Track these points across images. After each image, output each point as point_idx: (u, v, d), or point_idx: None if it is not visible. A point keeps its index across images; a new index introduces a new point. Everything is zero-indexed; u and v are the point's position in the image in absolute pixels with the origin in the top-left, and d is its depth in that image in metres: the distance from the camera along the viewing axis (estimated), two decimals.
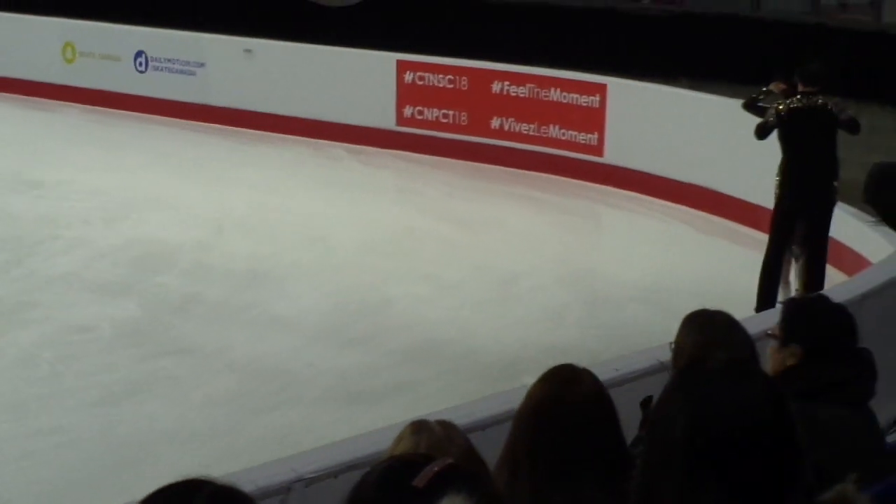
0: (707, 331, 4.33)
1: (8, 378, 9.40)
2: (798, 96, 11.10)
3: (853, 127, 11.05)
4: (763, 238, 13.51)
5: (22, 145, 17.69)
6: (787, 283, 11.59)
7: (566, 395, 3.52)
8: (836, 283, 10.93)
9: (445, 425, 3.47)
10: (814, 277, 11.14)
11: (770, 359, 4.53)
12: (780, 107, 11.12)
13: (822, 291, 8.88)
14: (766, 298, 11.14)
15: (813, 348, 4.41)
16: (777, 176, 11.50)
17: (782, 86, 11.68)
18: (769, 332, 4.63)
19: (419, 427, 3.44)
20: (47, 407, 8.96)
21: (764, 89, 11.98)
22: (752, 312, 9.85)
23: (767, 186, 13.65)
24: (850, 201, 12.83)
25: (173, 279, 11.91)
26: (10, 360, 9.73)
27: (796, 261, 11.50)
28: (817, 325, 4.51)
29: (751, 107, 12.04)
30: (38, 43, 21.39)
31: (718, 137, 14.59)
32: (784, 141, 11.16)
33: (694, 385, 2.56)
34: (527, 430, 3.51)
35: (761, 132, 11.25)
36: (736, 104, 14.20)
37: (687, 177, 15.00)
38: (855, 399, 4.35)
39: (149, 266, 12.26)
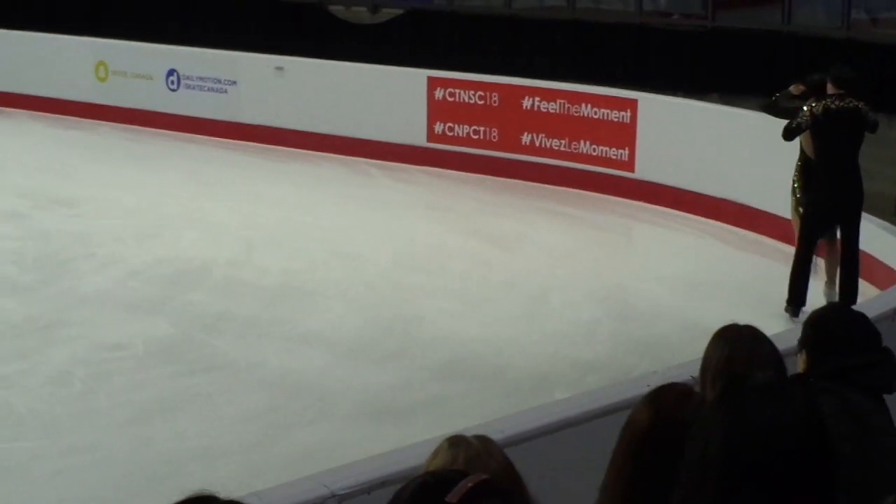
0: (733, 345, 4.33)
1: (41, 396, 9.44)
2: (831, 98, 11.11)
3: (875, 128, 11.22)
4: (793, 252, 13.49)
5: (55, 164, 17.79)
6: (833, 282, 11.64)
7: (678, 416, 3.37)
8: (868, 296, 10.90)
9: (483, 440, 3.44)
10: (853, 277, 11.29)
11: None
12: (815, 107, 11.09)
13: (853, 305, 8.85)
14: (801, 297, 11.37)
15: (815, 355, 4.44)
16: (796, 177, 11.49)
17: (802, 87, 11.68)
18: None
19: (457, 441, 3.41)
20: (80, 425, 8.99)
21: (781, 92, 11.99)
22: (784, 327, 9.82)
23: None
24: (881, 214, 12.80)
25: (205, 296, 11.94)
26: (43, 379, 9.77)
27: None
28: (819, 332, 4.54)
29: (773, 108, 12.05)
30: (71, 62, 21.52)
31: (749, 152, 14.56)
32: (819, 141, 11.14)
33: (732, 404, 2.54)
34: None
35: (791, 133, 11.23)
36: (767, 119, 14.17)
37: (718, 192, 14.97)
38: (872, 385, 4.34)
39: (181, 283, 12.30)
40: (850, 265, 11.35)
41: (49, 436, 8.84)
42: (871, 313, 7.87)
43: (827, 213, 11.33)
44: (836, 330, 4.51)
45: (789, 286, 11.43)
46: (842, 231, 11.38)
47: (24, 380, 9.72)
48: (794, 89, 11.88)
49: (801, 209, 11.73)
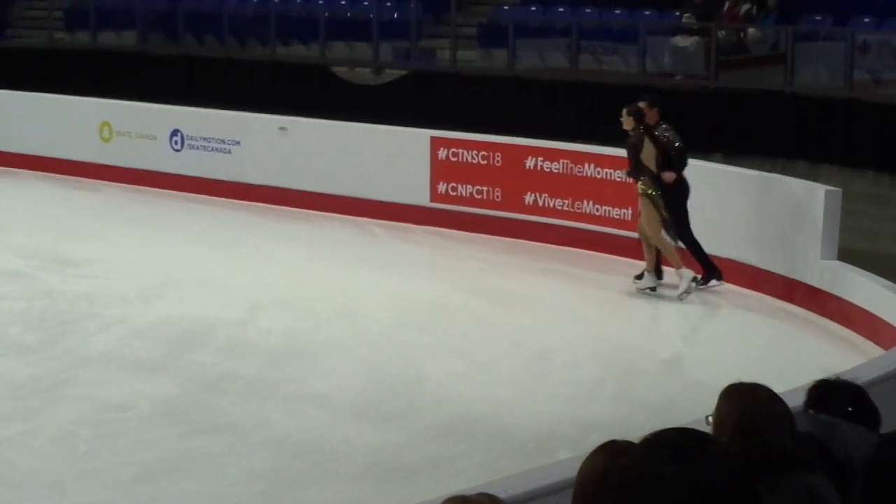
0: (750, 404, 4.32)
1: (46, 456, 9.43)
2: (663, 126, 14.34)
3: None
4: (800, 312, 13.54)
5: (60, 224, 17.85)
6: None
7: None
8: (872, 356, 10.92)
9: (489, 497, 3.43)
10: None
11: None
12: (672, 135, 14.28)
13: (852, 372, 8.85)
14: (712, 263, 14.40)
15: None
16: (654, 187, 13.89)
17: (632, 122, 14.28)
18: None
19: (460, 501, 3.40)
20: (85, 485, 8.98)
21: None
22: (791, 386, 9.82)
23: (804, 261, 13.70)
24: (886, 274, 12.85)
25: (209, 356, 11.96)
26: (47, 439, 9.76)
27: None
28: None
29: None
30: (75, 122, 21.63)
31: (752, 212, 14.60)
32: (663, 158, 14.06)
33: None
34: None
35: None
36: (770, 178, 14.29)
37: (721, 251, 14.98)
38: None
39: (185, 343, 12.31)
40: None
41: (53, 496, 8.83)
42: (875, 373, 7.91)
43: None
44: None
45: (702, 264, 14.23)
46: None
47: (28, 440, 9.72)
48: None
49: (663, 213, 13.93)
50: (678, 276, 14.05)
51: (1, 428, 9.95)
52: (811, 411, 4.62)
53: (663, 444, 2.62)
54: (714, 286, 14.46)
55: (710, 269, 14.42)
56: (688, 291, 14.03)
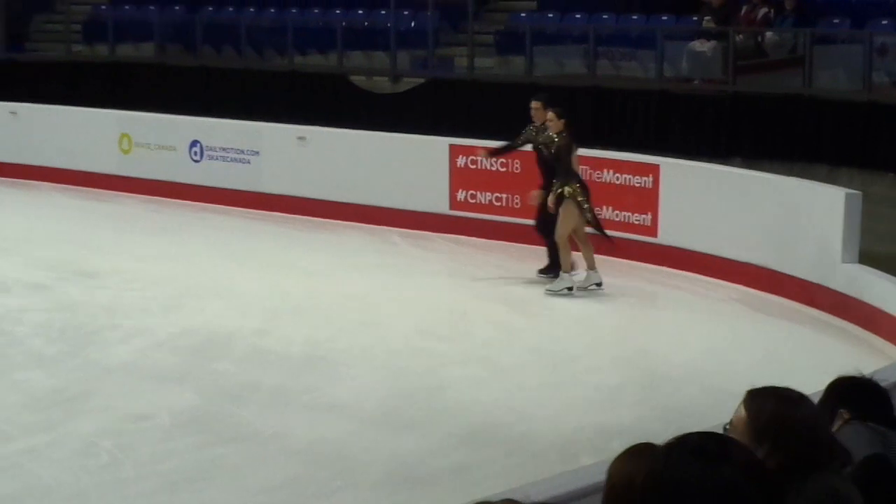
0: (778, 406, 4.27)
1: (68, 467, 9.45)
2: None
3: None
4: (821, 316, 13.51)
5: (80, 236, 17.90)
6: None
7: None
8: (894, 359, 10.88)
9: (511, 502, 3.43)
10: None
11: None
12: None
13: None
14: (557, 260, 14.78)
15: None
16: (576, 188, 14.37)
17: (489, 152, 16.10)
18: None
19: None
20: (107, 496, 8.99)
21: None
22: (814, 390, 9.79)
23: (824, 265, 13.67)
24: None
25: (230, 366, 11.97)
26: (69, 450, 9.78)
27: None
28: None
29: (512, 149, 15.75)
30: (95, 135, 21.70)
31: (772, 216, 14.57)
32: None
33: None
34: None
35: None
36: (790, 182, 14.24)
37: (741, 256, 14.97)
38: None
39: (206, 353, 12.33)
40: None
41: None
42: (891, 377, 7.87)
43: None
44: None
45: (550, 259, 14.94)
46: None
47: (50, 451, 9.74)
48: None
49: (587, 215, 14.41)
50: (586, 273, 14.64)
51: (24, 439, 9.97)
52: (844, 412, 4.59)
53: (687, 448, 2.63)
54: (542, 279, 15.01)
55: (553, 266, 14.92)
56: (586, 287, 14.59)
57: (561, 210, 14.46)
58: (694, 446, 2.69)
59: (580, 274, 14.66)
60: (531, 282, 15.09)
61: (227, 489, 9.13)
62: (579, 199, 14.41)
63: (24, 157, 22.39)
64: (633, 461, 3.33)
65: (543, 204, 14.78)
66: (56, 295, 14.48)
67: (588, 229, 14.65)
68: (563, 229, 14.49)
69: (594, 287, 14.61)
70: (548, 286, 14.72)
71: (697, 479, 2.56)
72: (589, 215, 14.49)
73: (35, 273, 15.40)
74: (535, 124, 15.10)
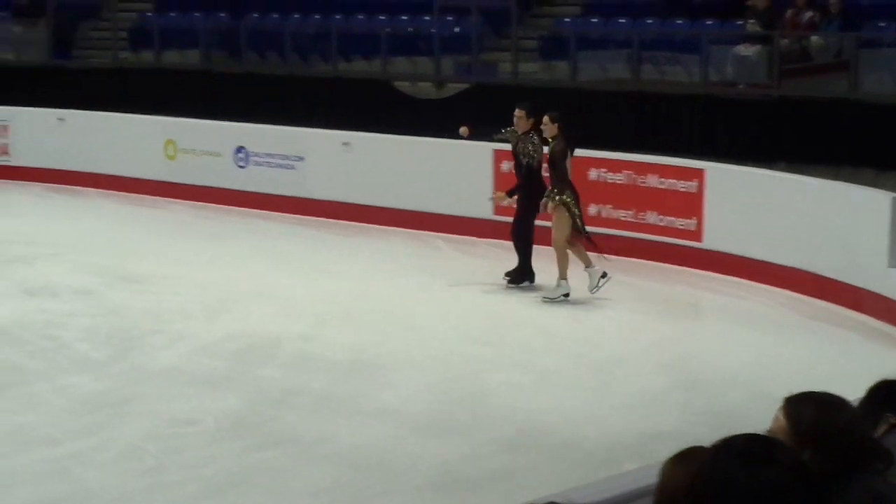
0: (821, 411, 4.25)
1: (114, 471, 9.50)
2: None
3: None
4: (868, 321, 13.43)
5: (126, 241, 18.00)
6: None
7: None
8: None
9: None
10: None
11: None
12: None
13: None
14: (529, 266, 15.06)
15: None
16: (568, 193, 14.34)
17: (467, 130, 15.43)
18: None
19: None
20: (152, 499, 9.03)
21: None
22: (860, 395, 9.73)
23: (872, 269, 13.59)
24: None
25: (275, 371, 12.00)
26: (115, 454, 9.83)
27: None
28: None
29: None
30: (141, 141, 21.83)
31: (818, 220, 14.50)
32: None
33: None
34: None
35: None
36: (836, 186, 14.15)
37: (787, 260, 14.90)
38: None
39: (250, 358, 12.37)
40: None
41: None
42: None
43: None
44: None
45: (522, 265, 15.03)
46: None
47: (96, 455, 9.79)
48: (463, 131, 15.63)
49: (577, 221, 14.38)
50: (587, 273, 14.56)
51: (69, 443, 10.03)
52: (891, 415, 4.56)
53: (733, 450, 2.62)
54: (525, 286, 15.06)
55: (526, 272, 15.10)
56: (598, 286, 14.48)
57: (554, 218, 14.49)
58: (740, 448, 2.69)
59: (596, 269, 14.58)
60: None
61: (270, 493, 9.15)
62: (571, 206, 14.43)
63: (72, 163, 22.56)
64: (683, 464, 3.34)
65: (522, 209, 14.94)
66: (103, 300, 14.57)
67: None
68: (559, 236, 14.48)
69: (561, 298, 14.53)
70: (544, 293, 14.67)
71: (744, 481, 2.56)
72: (579, 222, 14.48)
73: (82, 278, 15.51)
74: (517, 132, 15.04)
